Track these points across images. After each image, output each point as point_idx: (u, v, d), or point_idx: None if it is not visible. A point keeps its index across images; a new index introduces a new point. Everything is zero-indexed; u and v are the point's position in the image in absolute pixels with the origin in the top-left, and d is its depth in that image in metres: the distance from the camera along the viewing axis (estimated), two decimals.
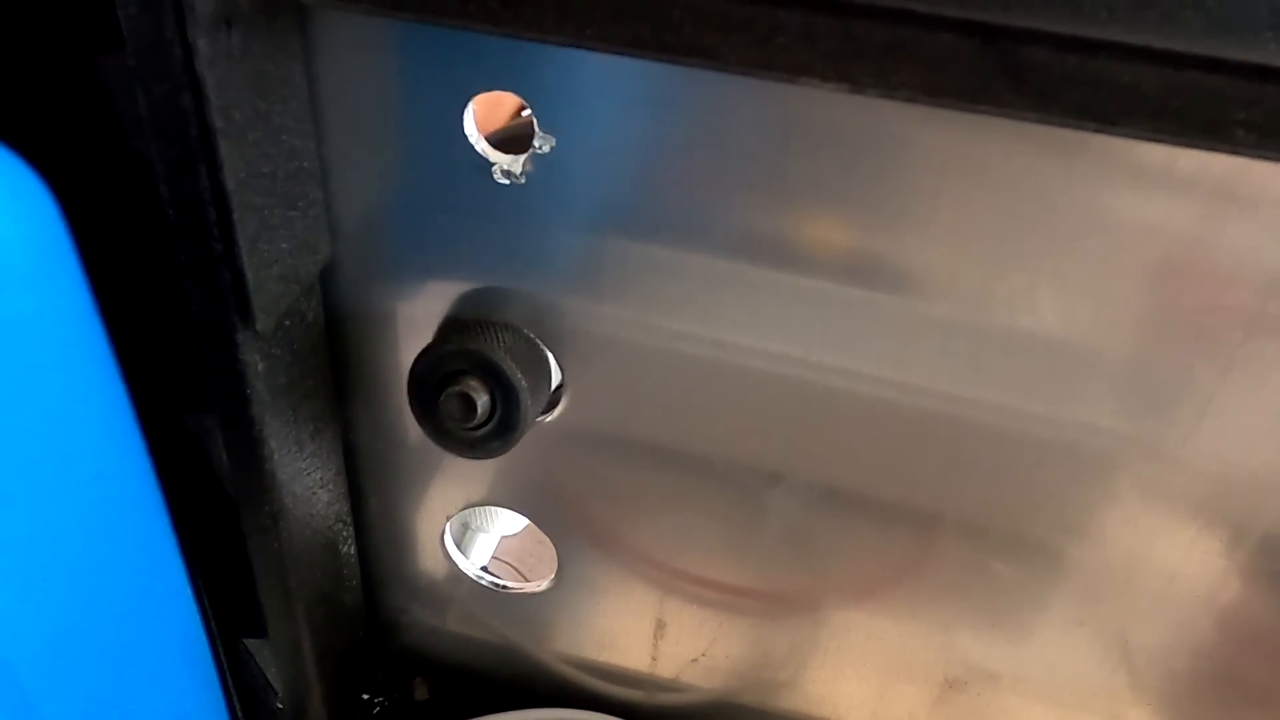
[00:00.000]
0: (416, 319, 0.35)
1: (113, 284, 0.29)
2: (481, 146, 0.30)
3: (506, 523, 0.46)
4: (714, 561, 0.40)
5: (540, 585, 0.43)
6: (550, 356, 0.35)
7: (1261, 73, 0.20)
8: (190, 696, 0.40)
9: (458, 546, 0.44)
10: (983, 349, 0.31)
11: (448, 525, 0.42)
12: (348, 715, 0.47)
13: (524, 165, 0.30)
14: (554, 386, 0.35)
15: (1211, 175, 0.26)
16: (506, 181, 0.30)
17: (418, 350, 0.36)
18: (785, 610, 0.41)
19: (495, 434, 0.33)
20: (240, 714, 0.45)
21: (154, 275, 0.33)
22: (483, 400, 0.32)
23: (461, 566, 0.43)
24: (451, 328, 0.34)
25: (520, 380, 0.32)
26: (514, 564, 0.52)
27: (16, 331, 0.27)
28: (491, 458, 0.34)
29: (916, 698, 0.42)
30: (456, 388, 0.32)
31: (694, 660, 0.44)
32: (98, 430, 0.31)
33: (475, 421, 0.33)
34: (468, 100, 0.29)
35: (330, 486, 0.39)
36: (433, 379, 0.33)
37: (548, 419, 0.37)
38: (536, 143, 0.29)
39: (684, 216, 0.30)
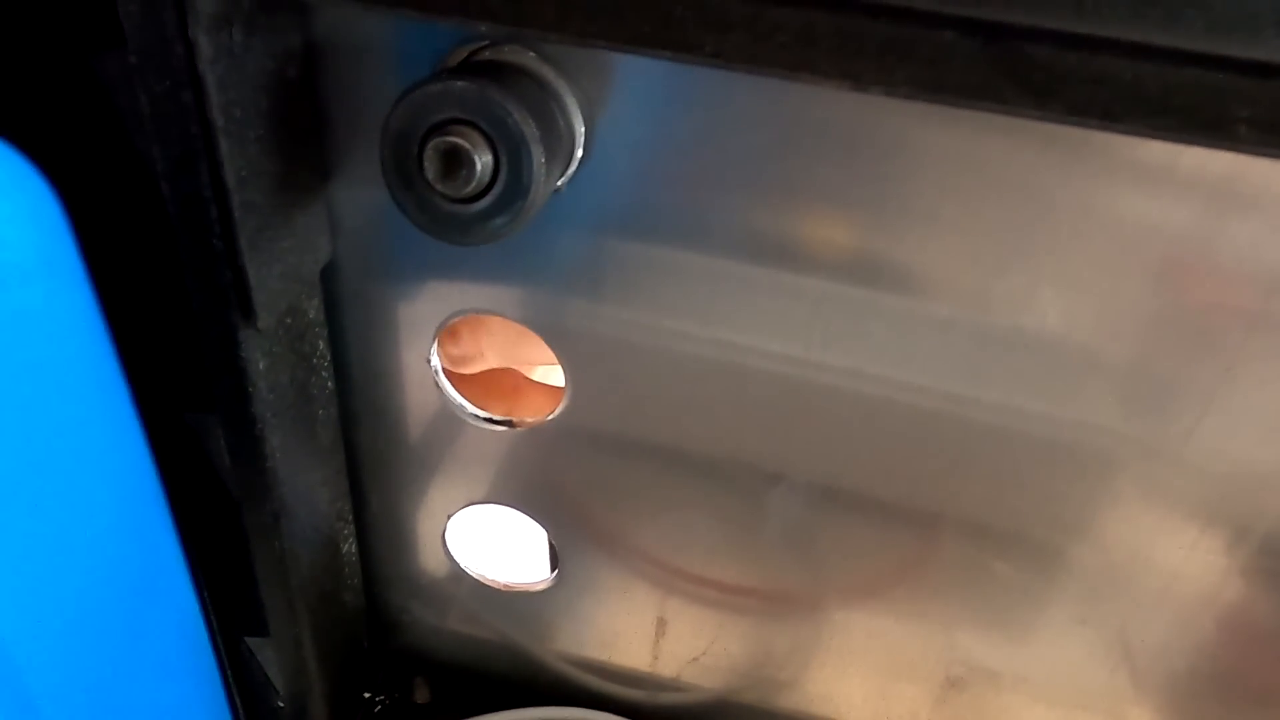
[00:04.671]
0: (417, 317, 0.35)
1: (114, 282, 0.29)
2: None
3: None
4: (715, 561, 0.40)
5: (541, 584, 0.43)
6: (565, 118, 0.27)
7: (1263, 70, 0.20)
8: (191, 695, 0.40)
9: None
10: (984, 348, 0.31)
11: (448, 524, 0.42)
12: (348, 714, 0.47)
13: None
14: (573, 154, 0.28)
15: (1213, 173, 0.26)
16: None
17: (419, 349, 0.36)
18: (786, 609, 0.41)
19: (498, 207, 0.26)
20: (241, 712, 0.45)
21: (155, 273, 0.33)
22: (483, 159, 0.25)
23: (462, 565, 0.43)
24: (441, 71, 0.26)
25: (533, 131, 0.25)
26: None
27: (18, 329, 0.27)
28: (493, 240, 0.26)
29: (918, 697, 0.42)
30: (447, 139, 0.25)
31: (695, 659, 0.44)
32: (99, 428, 0.31)
33: (473, 188, 0.25)
34: None
35: (331, 485, 0.39)
36: (415, 131, 0.25)
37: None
38: None
39: (684, 215, 0.30)
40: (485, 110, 0.24)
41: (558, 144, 0.26)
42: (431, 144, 0.25)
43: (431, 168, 0.25)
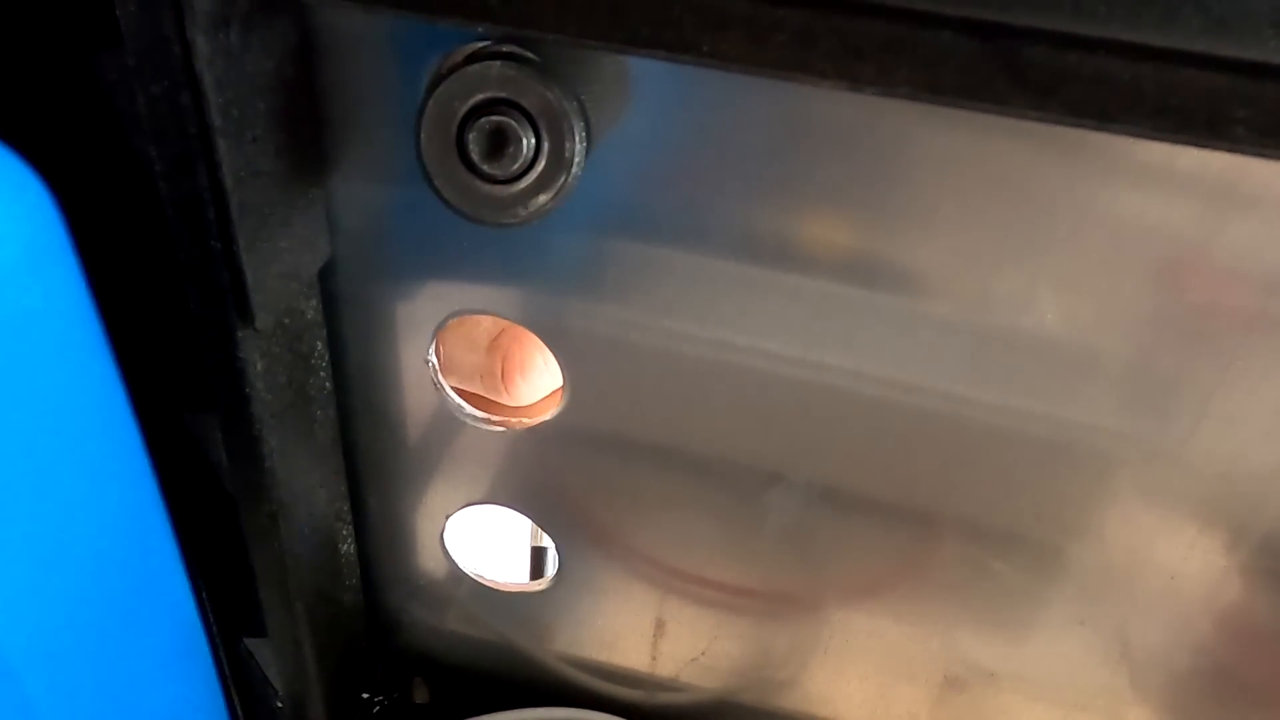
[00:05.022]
0: (416, 317, 0.35)
1: (111, 283, 0.29)
2: None
3: None
4: (714, 561, 0.40)
5: (540, 585, 0.43)
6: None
7: (1261, 70, 0.20)
8: (190, 695, 0.40)
9: None
10: (983, 348, 0.31)
11: (447, 524, 0.42)
12: (347, 714, 0.47)
13: None
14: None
15: (1211, 173, 0.26)
16: None
17: (417, 349, 0.36)
18: (785, 610, 0.41)
19: (541, 183, 0.26)
20: (240, 713, 0.45)
21: (153, 274, 0.33)
22: (529, 138, 0.25)
23: (461, 566, 0.43)
24: (467, 57, 0.26)
25: (574, 106, 0.25)
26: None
27: (14, 330, 0.26)
28: (535, 219, 0.27)
29: (916, 697, 0.42)
30: (492, 119, 0.25)
31: (694, 660, 0.44)
32: (96, 430, 0.31)
33: (519, 165, 0.26)
34: None
35: (330, 485, 0.39)
36: (454, 114, 0.26)
37: (549, 421, 0.37)
38: None
39: (684, 216, 0.30)
40: (527, 89, 0.25)
41: (586, 122, 0.27)
42: (476, 126, 0.25)
43: (477, 149, 0.26)
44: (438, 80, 0.26)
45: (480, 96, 0.25)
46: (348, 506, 0.41)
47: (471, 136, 0.25)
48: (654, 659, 0.44)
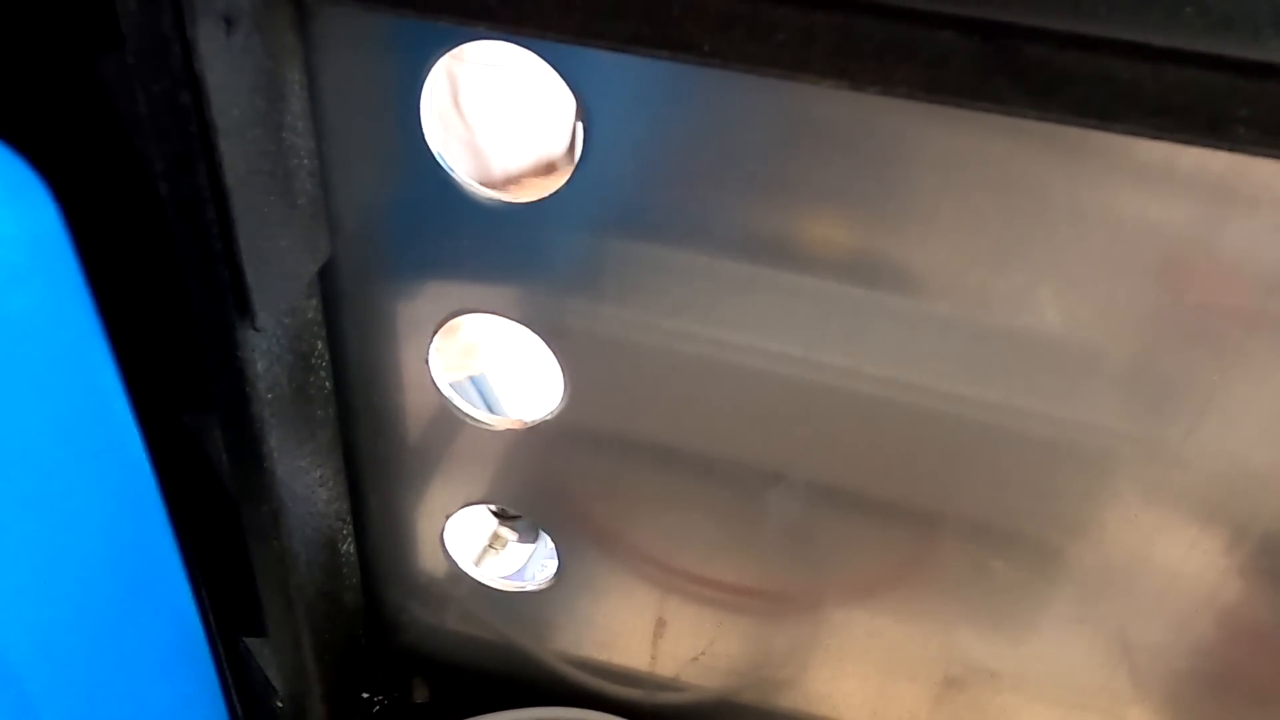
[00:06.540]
0: (415, 317, 0.35)
1: (112, 282, 0.29)
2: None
3: None
4: (714, 560, 0.40)
5: (540, 584, 0.43)
6: None
7: (1262, 70, 0.20)
8: (190, 695, 0.40)
9: None
10: (983, 348, 0.31)
11: (447, 524, 0.42)
12: (347, 714, 0.47)
13: None
14: None
15: (1212, 173, 0.26)
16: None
17: (417, 349, 0.36)
18: (785, 609, 0.41)
19: None
20: (240, 712, 0.45)
21: (153, 273, 0.33)
22: None
23: (460, 565, 0.43)
24: None
25: None
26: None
27: (15, 330, 0.27)
28: None
29: (916, 696, 0.42)
30: None
31: (694, 659, 0.44)
32: (97, 429, 0.31)
33: None
34: None
35: (330, 485, 0.39)
36: None
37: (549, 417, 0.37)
38: None
39: (684, 215, 0.30)
40: None
41: None
42: None
43: None
44: None
45: None
46: (348, 506, 0.41)
47: None
48: (654, 659, 0.44)
